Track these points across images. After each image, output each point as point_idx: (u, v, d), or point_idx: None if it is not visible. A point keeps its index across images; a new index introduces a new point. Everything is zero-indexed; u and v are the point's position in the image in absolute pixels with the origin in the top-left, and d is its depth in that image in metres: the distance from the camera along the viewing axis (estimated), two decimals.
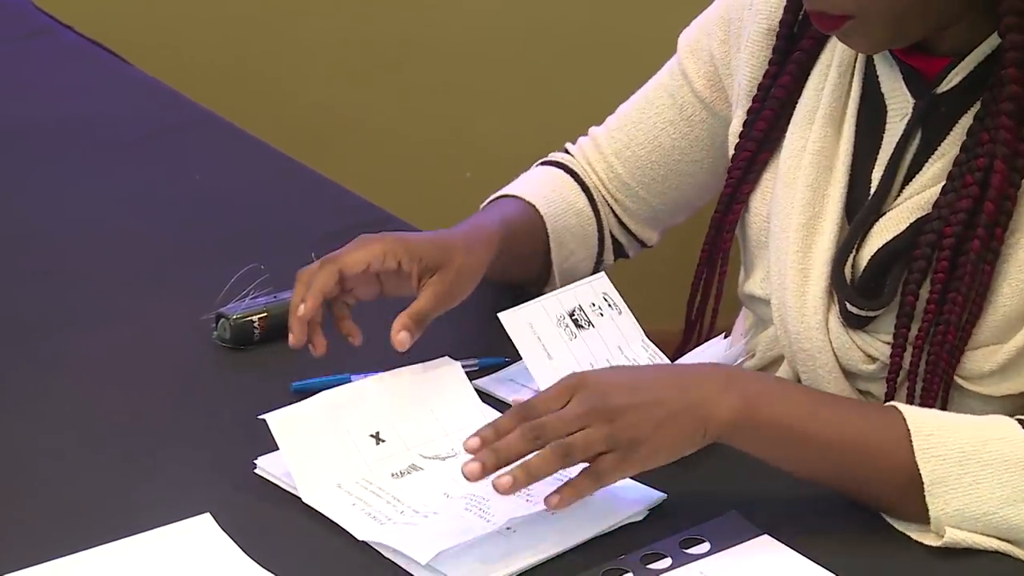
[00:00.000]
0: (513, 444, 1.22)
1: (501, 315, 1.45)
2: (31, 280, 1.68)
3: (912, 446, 1.26)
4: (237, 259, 1.60)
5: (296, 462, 1.32)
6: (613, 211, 1.68)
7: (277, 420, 1.34)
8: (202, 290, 1.57)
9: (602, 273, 1.56)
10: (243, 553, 1.25)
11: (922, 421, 1.28)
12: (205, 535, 1.27)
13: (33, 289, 1.66)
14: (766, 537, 1.28)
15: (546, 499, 1.23)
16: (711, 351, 1.58)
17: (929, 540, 1.27)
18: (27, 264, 1.72)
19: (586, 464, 1.24)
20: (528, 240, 1.61)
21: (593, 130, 1.69)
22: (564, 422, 1.23)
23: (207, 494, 1.32)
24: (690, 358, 1.58)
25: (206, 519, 1.28)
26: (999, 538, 1.27)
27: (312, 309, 1.41)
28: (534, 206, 1.63)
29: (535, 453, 1.22)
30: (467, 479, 1.21)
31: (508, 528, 1.26)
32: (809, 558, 1.25)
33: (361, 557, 1.25)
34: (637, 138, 1.64)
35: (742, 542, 1.27)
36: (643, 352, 1.50)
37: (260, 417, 1.33)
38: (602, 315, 1.50)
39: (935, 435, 1.27)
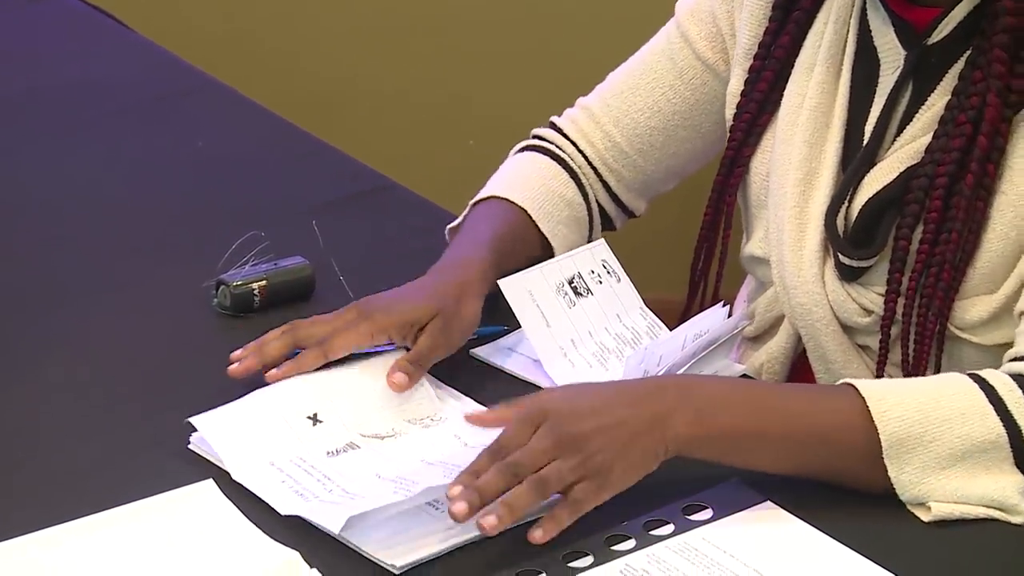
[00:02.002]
0: (492, 482, 1.22)
1: (501, 282, 1.45)
2: (30, 247, 1.68)
3: (870, 414, 1.27)
4: (238, 226, 1.60)
5: (225, 446, 1.31)
6: (606, 184, 1.65)
7: (204, 420, 1.32)
8: (202, 257, 1.57)
9: (601, 240, 1.56)
10: (245, 519, 1.25)
11: (875, 390, 1.28)
12: (208, 501, 1.27)
13: (33, 256, 1.66)
14: (768, 504, 1.28)
15: (529, 533, 1.22)
16: (709, 319, 1.58)
17: (920, 514, 1.27)
18: (26, 231, 1.71)
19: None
20: (522, 247, 1.57)
21: (583, 101, 1.66)
22: (534, 455, 1.23)
23: (209, 460, 1.32)
24: (689, 326, 1.58)
25: (209, 485, 1.28)
26: (979, 504, 1.27)
27: (270, 376, 1.38)
28: (525, 210, 1.58)
29: (513, 490, 1.22)
30: (456, 520, 1.20)
31: (440, 507, 1.25)
32: (811, 524, 1.26)
33: None
34: (636, 104, 1.62)
35: (744, 509, 1.27)
36: (641, 320, 1.50)
37: (187, 421, 1.32)
38: (600, 283, 1.49)
39: (888, 398, 1.27)
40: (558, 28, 2.94)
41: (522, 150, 1.67)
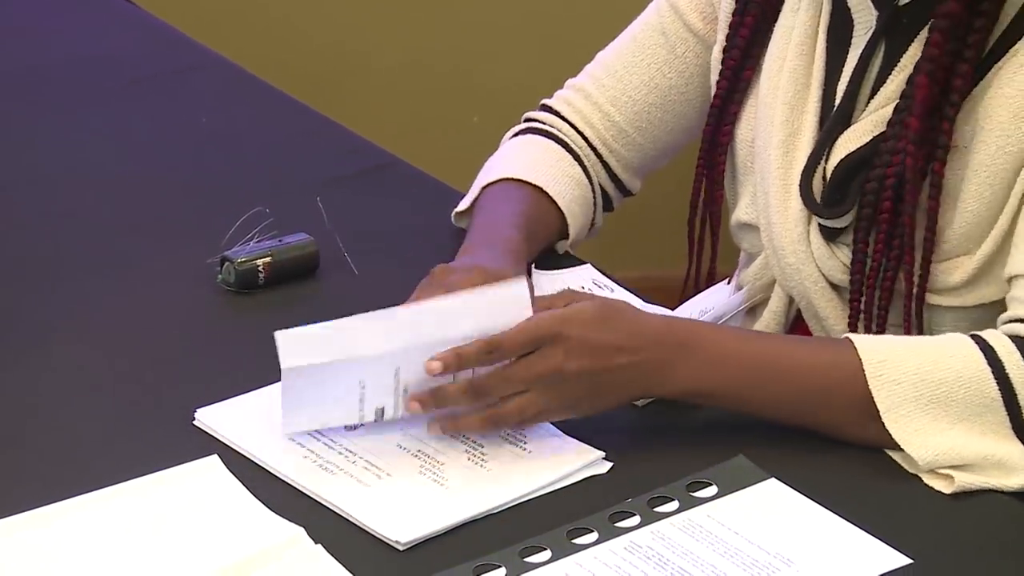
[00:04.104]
0: (453, 395, 1.28)
1: None
2: (33, 224, 1.68)
3: (865, 376, 1.28)
4: (242, 203, 1.60)
5: (292, 388, 1.28)
6: (606, 164, 1.64)
7: (285, 339, 1.27)
8: (207, 233, 1.57)
9: (587, 264, 1.57)
10: (250, 494, 1.25)
11: (873, 350, 1.30)
12: (212, 477, 1.27)
13: (36, 232, 1.66)
14: (773, 481, 1.28)
15: (460, 419, 1.29)
16: (715, 296, 1.58)
17: (940, 485, 1.28)
18: (29, 208, 1.71)
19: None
20: (544, 228, 1.58)
21: (575, 82, 1.65)
22: (510, 384, 1.28)
23: (214, 436, 1.32)
24: (695, 303, 1.58)
25: (213, 461, 1.29)
26: (976, 463, 1.28)
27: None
28: (542, 189, 1.58)
29: (471, 417, 1.29)
30: (409, 405, 1.28)
31: (446, 482, 1.26)
32: (816, 502, 1.26)
33: None
34: (632, 82, 1.62)
35: (749, 486, 1.27)
36: None
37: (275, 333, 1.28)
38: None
39: (887, 361, 1.29)
40: (563, 5, 2.93)
41: (517, 135, 1.65)
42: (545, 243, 1.57)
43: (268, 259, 1.54)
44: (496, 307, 1.29)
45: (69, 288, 1.55)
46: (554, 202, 1.57)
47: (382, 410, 1.30)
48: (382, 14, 2.93)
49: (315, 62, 2.90)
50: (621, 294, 1.53)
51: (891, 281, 1.42)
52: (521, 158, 1.61)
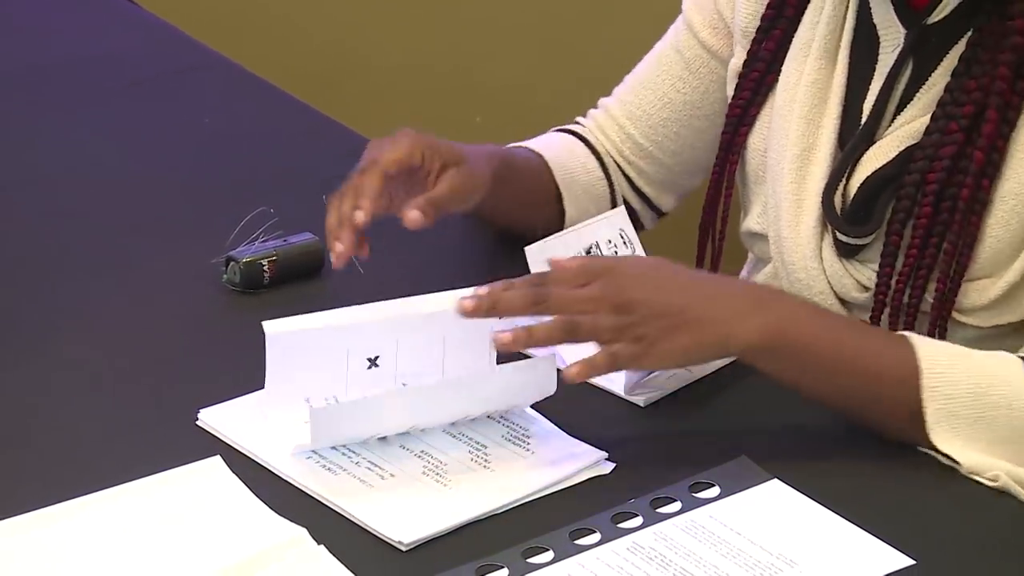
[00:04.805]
0: (515, 299, 1.23)
1: (527, 249, 1.46)
2: (37, 224, 1.68)
3: (920, 384, 1.28)
4: (246, 202, 1.60)
5: (275, 373, 1.30)
6: (628, 177, 1.67)
7: (274, 330, 1.30)
8: (211, 233, 1.57)
9: (621, 208, 1.57)
10: (253, 495, 1.25)
11: (933, 359, 1.30)
12: (215, 477, 1.27)
13: (41, 232, 1.66)
14: (776, 482, 1.28)
15: (565, 370, 1.24)
16: None
17: (987, 480, 1.29)
18: (33, 208, 1.71)
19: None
20: (530, 176, 1.61)
21: (602, 100, 1.70)
22: (572, 300, 1.24)
23: (217, 437, 1.32)
24: None
25: (216, 461, 1.29)
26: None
27: (370, 214, 1.38)
28: (537, 152, 1.63)
29: (542, 322, 1.23)
30: (457, 311, 1.22)
31: (449, 483, 1.26)
32: (819, 502, 1.26)
33: None
34: (647, 98, 1.64)
35: (752, 487, 1.27)
36: None
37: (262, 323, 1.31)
38: (616, 252, 1.50)
39: (945, 374, 1.29)
40: (567, 5, 2.93)
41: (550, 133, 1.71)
42: (529, 187, 1.60)
43: (273, 259, 1.54)
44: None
45: (72, 288, 1.55)
46: (548, 167, 1.62)
47: (376, 359, 1.31)
48: (384, 13, 2.93)
49: (317, 62, 2.90)
50: (641, 254, 1.52)
51: (918, 299, 1.42)
52: (536, 139, 1.67)
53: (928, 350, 1.30)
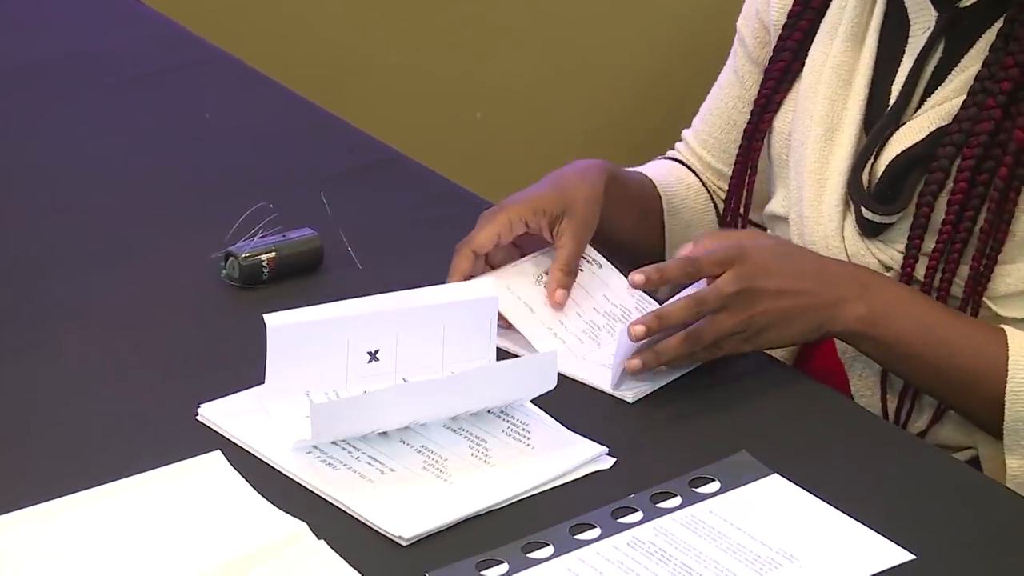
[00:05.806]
0: (672, 347, 1.34)
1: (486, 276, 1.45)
2: (37, 219, 1.68)
3: (1006, 380, 1.33)
4: (246, 198, 1.60)
5: (276, 366, 1.31)
6: (716, 205, 1.68)
7: (275, 323, 1.31)
8: (211, 229, 1.57)
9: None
10: (253, 490, 1.25)
11: (1022, 363, 1.34)
12: (215, 472, 1.27)
13: (41, 227, 1.66)
14: (776, 476, 1.28)
15: (663, 343, 1.33)
16: None
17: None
18: (33, 203, 1.71)
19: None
20: (638, 189, 1.62)
21: (684, 131, 1.72)
22: (717, 329, 1.33)
23: (217, 432, 1.32)
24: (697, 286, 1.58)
25: (216, 456, 1.29)
26: None
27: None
28: (641, 172, 1.65)
29: (667, 340, 1.33)
30: (630, 338, 1.31)
31: (449, 477, 1.26)
32: (819, 497, 1.26)
33: None
34: (715, 123, 1.66)
35: (752, 481, 1.27)
36: (630, 299, 1.49)
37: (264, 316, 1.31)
38: (582, 270, 1.49)
39: None
40: (566, 5, 2.93)
41: None
42: (635, 198, 1.61)
43: (272, 254, 1.54)
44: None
45: (72, 284, 1.55)
46: (654, 183, 1.64)
47: (376, 352, 1.31)
48: (386, 10, 2.93)
49: (318, 58, 2.90)
50: (608, 268, 1.51)
51: (950, 279, 1.43)
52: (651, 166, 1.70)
53: (1020, 348, 1.34)
